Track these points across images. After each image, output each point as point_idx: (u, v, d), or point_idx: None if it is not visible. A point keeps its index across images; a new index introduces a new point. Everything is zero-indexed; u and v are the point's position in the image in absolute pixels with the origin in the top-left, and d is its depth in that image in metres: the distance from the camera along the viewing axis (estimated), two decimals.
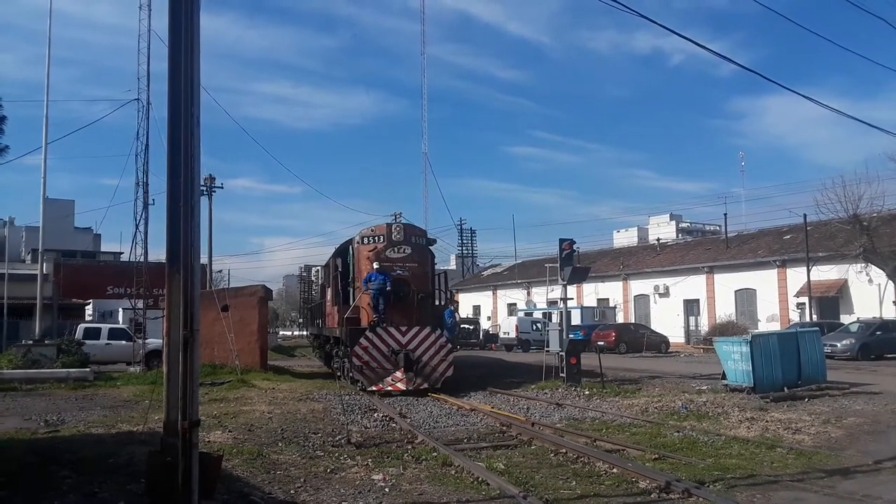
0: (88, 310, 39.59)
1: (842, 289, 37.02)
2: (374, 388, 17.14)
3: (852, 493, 7.18)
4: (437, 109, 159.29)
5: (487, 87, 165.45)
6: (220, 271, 72.10)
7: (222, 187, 42.56)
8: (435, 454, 9.32)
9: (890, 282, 32.83)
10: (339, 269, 20.06)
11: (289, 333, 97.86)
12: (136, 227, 25.25)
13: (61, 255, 46.04)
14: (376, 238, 18.70)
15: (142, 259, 26.32)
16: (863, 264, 33.20)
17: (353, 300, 18.84)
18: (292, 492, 7.54)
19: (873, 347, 28.49)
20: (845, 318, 34.41)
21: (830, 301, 37.57)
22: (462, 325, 43.28)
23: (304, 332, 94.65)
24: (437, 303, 19.95)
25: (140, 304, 27.47)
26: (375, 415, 13.31)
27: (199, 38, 5.88)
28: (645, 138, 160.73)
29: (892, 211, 34.15)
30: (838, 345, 28.07)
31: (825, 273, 36.64)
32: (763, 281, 41.34)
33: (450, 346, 18.12)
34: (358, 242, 19.04)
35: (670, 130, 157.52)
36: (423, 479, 8.05)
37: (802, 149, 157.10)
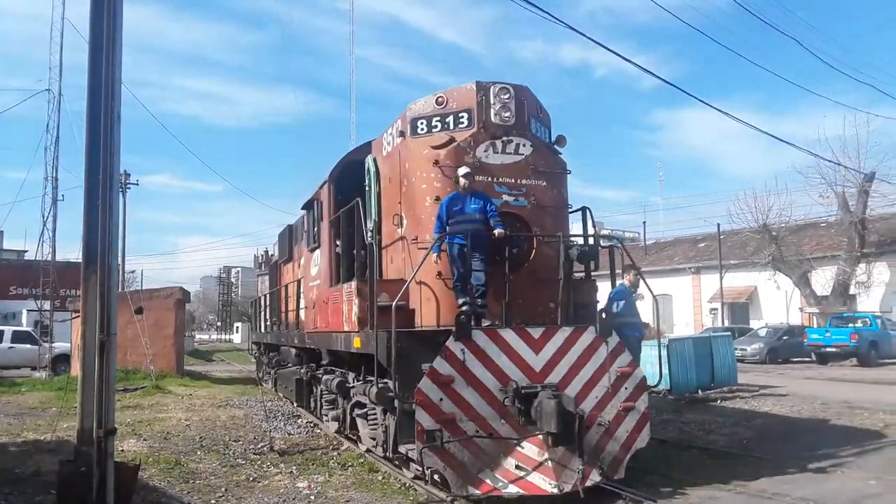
0: None
1: (752, 295, 38.76)
2: (472, 490, 6.94)
3: (762, 492, 7.47)
4: (366, 111, 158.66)
5: (418, 91, 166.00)
6: (133, 272, 69.57)
7: (137, 184, 41.02)
8: (361, 460, 9.20)
9: (796, 289, 34.52)
10: (344, 207, 9.48)
11: (206, 337, 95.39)
12: (44, 224, 24.14)
13: None
14: (449, 119, 8.38)
15: (49, 258, 25.10)
16: (771, 272, 34.84)
17: (375, 268, 8.38)
18: (213, 502, 7.31)
19: (780, 351, 29.92)
20: (755, 324, 36.00)
21: (741, 307, 39.26)
22: None
23: (223, 336, 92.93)
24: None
25: (47, 305, 26.21)
26: (299, 421, 13.04)
27: (122, 31, 5.65)
28: (569, 146, 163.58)
29: (799, 221, 35.99)
30: (748, 349, 29.35)
31: (736, 280, 38.26)
32: (679, 287, 42.85)
33: (640, 374, 7.92)
34: (401, 132, 8.66)
35: (594, 140, 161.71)
36: (350, 485, 7.93)
37: (716, 160, 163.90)
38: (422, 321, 8.00)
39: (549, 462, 7.05)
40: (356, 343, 8.37)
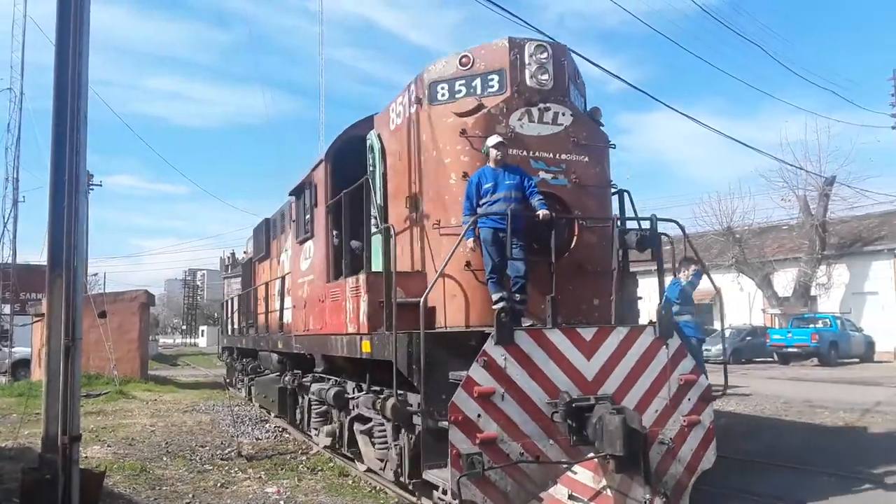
0: None
1: (715, 297, 39.41)
2: None
3: (728, 488, 7.58)
4: (336, 112, 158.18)
5: (387, 92, 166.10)
6: (96, 274, 68.27)
7: (101, 185, 40.25)
8: (331, 464, 9.14)
9: (759, 290, 35.19)
10: (345, 190, 8.38)
11: (170, 341, 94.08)
12: (4, 226, 23.68)
13: None
14: (476, 83, 7.16)
15: (10, 260, 24.58)
16: (735, 273, 35.47)
17: (393, 258, 6.88)
18: None
19: (743, 352, 30.47)
20: (718, 325, 36.52)
21: (705, 308, 39.88)
22: None
23: (188, 340, 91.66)
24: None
25: (6, 308, 25.64)
26: (267, 426, 12.92)
27: (89, 28, 5.57)
28: None
29: (762, 224, 36.69)
30: (712, 349, 29.81)
31: (701, 281, 38.89)
32: (645, 288, 43.40)
33: (705, 382, 6.83)
34: (417, 99, 7.42)
35: None
36: (320, 490, 7.86)
37: (680, 164, 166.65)
38: (446, 321, 6.81)
39: (608, 490, 5.93)
40: (365, 347, 7.09)
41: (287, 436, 11.84)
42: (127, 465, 9.14)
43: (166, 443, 11.05)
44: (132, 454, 10.11)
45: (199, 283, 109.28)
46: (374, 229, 7.80)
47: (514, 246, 6.36)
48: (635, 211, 7.90)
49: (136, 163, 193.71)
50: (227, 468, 9.13)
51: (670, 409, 6.50)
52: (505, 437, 5.80)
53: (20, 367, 23.23)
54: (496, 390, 5.80)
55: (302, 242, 10.43)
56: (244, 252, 19.83)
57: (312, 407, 9.96)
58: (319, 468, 8.99)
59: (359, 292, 7.34)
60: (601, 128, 7.68)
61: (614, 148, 7.71)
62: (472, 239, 6.51)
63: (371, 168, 8.22)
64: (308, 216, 10.02)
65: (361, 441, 8.03)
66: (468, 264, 6.71)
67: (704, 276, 9.27)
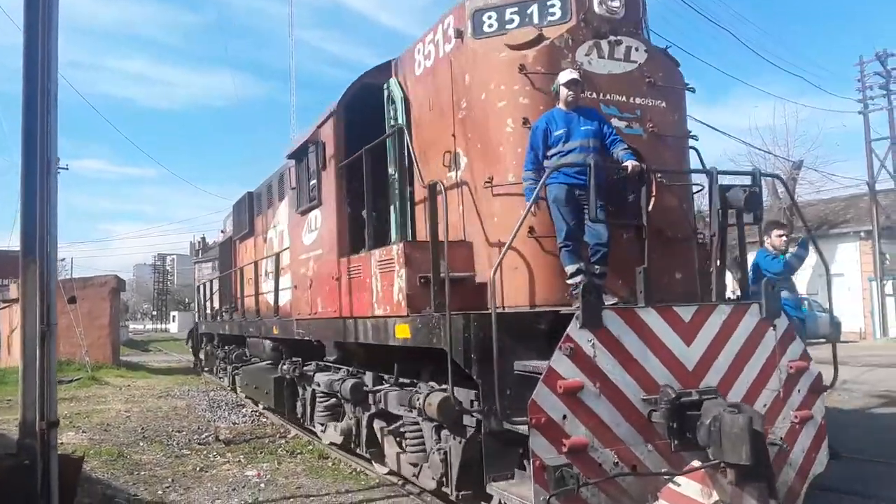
0: None
1: None
2: None
3: None
4: (306, 95, 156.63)
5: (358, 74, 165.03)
6: (63, 260, 67.22)
7: (67, 168, 39.46)
8: (310, 447, 9.15)
9: (728, 272, 35.82)
10: (363, 148, 6.99)
11: (140, 327, 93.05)
12: None
13: None
14: (532, 10, 5.86)
15: None
16: None
17: (413, 229, 6.77)
18: (160, 492, 7.15)
19: None
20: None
21: None
22: None
23: (159, 326, 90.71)
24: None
25: None
26: (244, 410, 12.88)
27: (58, 9, 5.46)
28: None
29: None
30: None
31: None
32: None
33: (814, 368, 5.65)
34: (458, 33, 6.13)
35: None
36: (300, 472, 7.88)
37: None
38: (503, 299, 5.45)
39: None
40: (400, 332, 5.93)
41: (265, 420, 11.82)
42: (104, 451, 9.06)
43: (142, 428, 10.99)
44: (108, 440, 10.03)
45: (168, 268, 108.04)
46: (399, 194, 6.88)
47: (598, 207, 5.11)
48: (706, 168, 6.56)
49: (103, 146, 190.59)
50: (205, 452, 9.11)
51: (780, 402, 5.39)
52: (596, 442, 4.64)
53: None
54: (585, 385, 4.64)
55: (305, 213, 8.89)
56: (221, 231, 18.44)
57: (318, 400, 8.78)
58: (299, 451, 9.01)
59: (392, 266, 6.11)
60: (678, 68, 6.43)
61: (694, 92, 6.46)
62: (533, 202, 5.25)
63: (392, 122, 7.05)
64: (314, 181, 8.47)
65: (386, 442, 7.04)
66: (531, 230, 5.47)
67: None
